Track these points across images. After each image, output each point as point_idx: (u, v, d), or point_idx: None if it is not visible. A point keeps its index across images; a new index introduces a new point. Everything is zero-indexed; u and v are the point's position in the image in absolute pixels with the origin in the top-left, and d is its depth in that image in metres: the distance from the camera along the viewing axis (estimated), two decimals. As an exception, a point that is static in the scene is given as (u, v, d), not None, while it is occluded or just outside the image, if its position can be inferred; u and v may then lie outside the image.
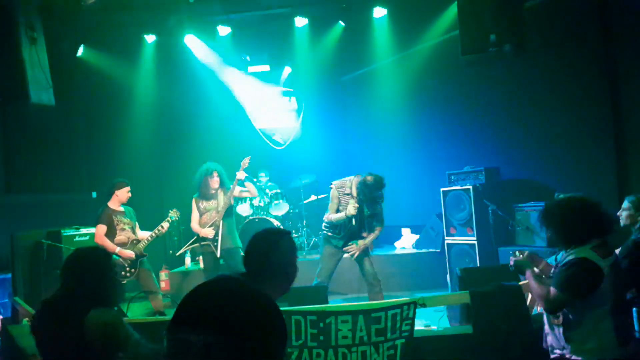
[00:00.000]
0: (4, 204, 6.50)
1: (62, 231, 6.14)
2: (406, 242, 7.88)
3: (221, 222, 5.78)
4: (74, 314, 2.46)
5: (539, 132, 6.70)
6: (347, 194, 5.21)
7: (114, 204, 5.64)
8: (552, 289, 2.68)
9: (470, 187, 6.29)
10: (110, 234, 5.53)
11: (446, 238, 6.63)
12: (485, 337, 3.51)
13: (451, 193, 6.51)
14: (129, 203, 5.78)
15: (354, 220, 5.14)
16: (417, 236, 7.78)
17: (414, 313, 3.50)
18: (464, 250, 6.36)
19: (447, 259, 6.63)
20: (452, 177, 6.83)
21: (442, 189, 6.62)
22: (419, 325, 4.11)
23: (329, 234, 5.34)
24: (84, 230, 6.33)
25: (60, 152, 7.69)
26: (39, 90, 5.00)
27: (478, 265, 6.10)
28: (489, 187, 6.43)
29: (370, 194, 5.05)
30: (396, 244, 7.98)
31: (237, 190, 5.90)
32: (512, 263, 3.06)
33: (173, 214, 5.74)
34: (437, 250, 7.11)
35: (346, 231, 5.25)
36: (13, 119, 6.81)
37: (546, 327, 2.84)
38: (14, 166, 7.02)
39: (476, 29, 5.02)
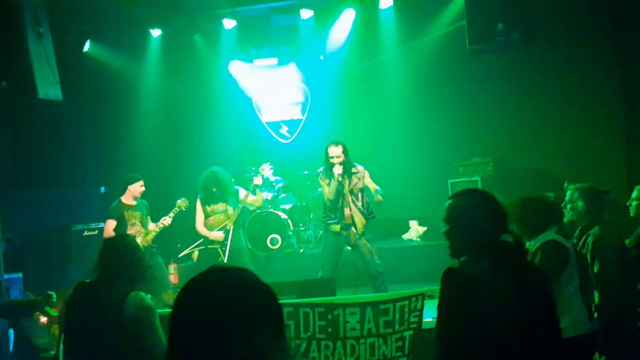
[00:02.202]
0: (12, 198, 6.54)
1: (72, 226, 6.18)
2: (414, 234, 7.85)
3: (232, 226, 5.69)
4: (113, 296, 2.66)
5: (548, 121, 6.64)
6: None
7: (127, 198, 5.70)
8: None
9: (479, 178, 6.25)
10: (120, 228, 5.57)
11: (454, 230, 6.59)
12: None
13: (459, 185, 6.47)
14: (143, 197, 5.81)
15: (339, 177, 5.13)
16: (425, 228, 7.75)
17: (422, 305, 3.49)
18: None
19: (455, 251, 6.60)
20: (460, 169, 6.80)
21: (450, 181, 6.59)
22: (427, 317, 4.10)
23: (328, 220, 5.33)
24: (92, 225, 6.37)
25: (68, 147, 7.73)
26: (47, 85, 5.03)
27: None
28: (497, 178, 6.39)
29: (327, 156, 5.18)
30: (404, 236, 7.95)
31: (249, 199, 5.80)
32: None
33: (181, 204, 5.73)
34: (446, 242, 7.07)
35: (340, 212, 5.23)
36: (21, 114, 6.84)
37: None
38: (22, 161, 7.07)
39: (484, 17, 4.96)
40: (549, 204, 3.11)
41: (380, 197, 5.25)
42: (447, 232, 2.07)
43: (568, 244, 2.93)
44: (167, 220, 5.66)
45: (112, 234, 5.49)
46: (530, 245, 3.01)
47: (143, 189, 5.75)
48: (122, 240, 2.96)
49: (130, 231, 5.58)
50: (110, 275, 2.78)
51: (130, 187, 5.67)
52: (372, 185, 5.33)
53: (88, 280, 2.90)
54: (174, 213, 5.69)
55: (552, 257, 2.85)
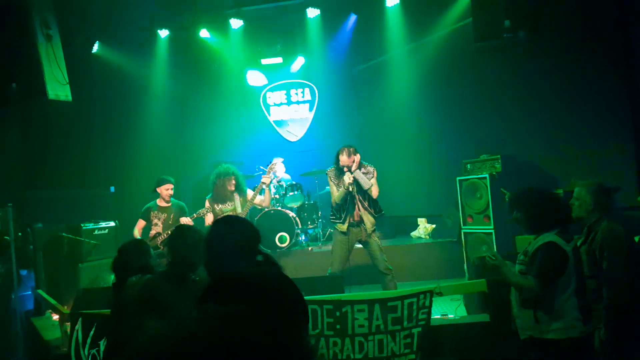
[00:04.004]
0: (23, 199, 6.61)
1: (82, 225, 6.23)
2: (422, 231, 7.85)
3: None
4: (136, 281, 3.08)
5: (556, 118, 6.60)
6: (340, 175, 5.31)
7: (160, 200, 5.91)
8: (530, 278, 2.87)
9: (487, 175, 6.23)
10: (147, 228, 5.84)
11: (463, 227, 6.59)
12: (502, 325, 3.49)
13: (467, 182, 6.45)
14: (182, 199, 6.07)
15: (350, 187, 5.15)
16: (434, 226, 7.75)
17: (431, 302, 3.50)
18: (481, 239, 6.32)
19: (464, 248, 6.60)
20: (469, 166, 6.77)
21: (458, 178, 6.57)
22: (435, 314, 4.11)
23: (334, 220, 5.36)
24: (103, 224, 6.43)
25: (78, 148, 7.80)
26: (56, 86, 5.08)
27: (495, 254, 6.05)
28: (505, 175, 6.36)
29: (337, 161, 5.19)
30: (412, 233, 7.95)
31: (257, 199, 5.79)
32: (489, 265, 3.25)
33: (204, 212, 5.77)
34: (454, 240, 7.07)
35: (345, 212, 5.25)
36: (31, 115, 6.91)
37: (515, 309, 3.02)
38: (32, 162, 7.14)
39: (490, 15, 4.96)
40: (559, 203, 3.00)
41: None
42: (205, 264, 2.05)
43: (568, 248, 2.84)
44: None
45: (136, 231, 5.76)
46: (531, 242, 2.97)
47: (170, 192, 5.88)
48: (136, 242, 3.38)
49: (152, 231, 5.79)
50: (127, 271, 3.12)
51: (157, 189, 5.87)
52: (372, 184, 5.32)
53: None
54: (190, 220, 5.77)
55: (550, 262, 2.81)
